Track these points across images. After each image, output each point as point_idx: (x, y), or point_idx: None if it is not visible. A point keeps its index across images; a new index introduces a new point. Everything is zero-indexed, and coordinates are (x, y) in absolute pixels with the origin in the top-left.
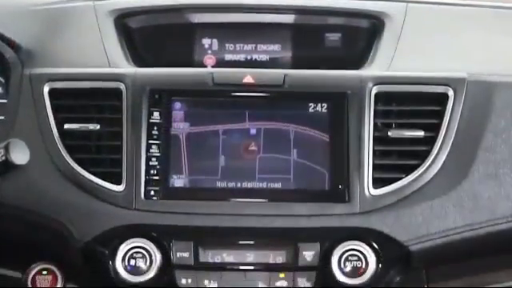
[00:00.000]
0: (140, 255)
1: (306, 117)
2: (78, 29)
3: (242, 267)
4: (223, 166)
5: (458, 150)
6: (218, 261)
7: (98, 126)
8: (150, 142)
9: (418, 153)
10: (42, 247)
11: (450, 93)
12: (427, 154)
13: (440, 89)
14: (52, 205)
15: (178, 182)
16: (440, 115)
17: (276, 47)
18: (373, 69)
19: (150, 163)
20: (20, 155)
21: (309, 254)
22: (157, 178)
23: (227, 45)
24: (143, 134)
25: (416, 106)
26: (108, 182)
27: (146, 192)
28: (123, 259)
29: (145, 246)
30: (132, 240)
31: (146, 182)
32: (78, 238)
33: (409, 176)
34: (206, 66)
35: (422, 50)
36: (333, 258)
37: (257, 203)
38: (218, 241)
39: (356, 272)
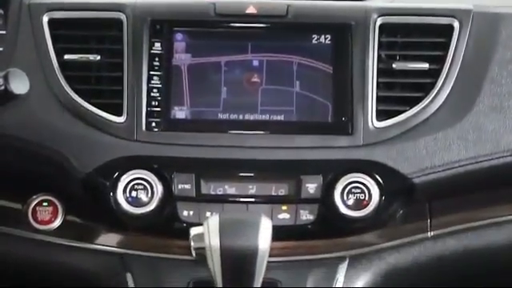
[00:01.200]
0: (141, 187)
1: (309, 48)
2: None
3: (243, 199)
4: (225, 98)
5: (462, 83)
6: (220, 193)
7: (99, 57)
8: (152, 73)
9: (423, 85)
10: (43, 178)
11: (456, 24)
12: (432, 86)
13: (445, 20)
14: (52, 136)
15: (180, 113)
16: (445, 47)
17: None
18: (377, 0)
19: (152, 94)
20: (19, 85)
21: (311, 187)
22: (158, 109)
23: None
24: (144, 65)
25: (421, 38)
26: (109, 113)
27: (148, 123)
28: (124, 191)
29: (146, 177)
30: (133, 171)
31: (148, 114)
32: (79, 169)
33: (413, 108)
34: None
35: None
36: (335, 191)
37: (259, 135)
38: (219, 173)
39: (359, 204)
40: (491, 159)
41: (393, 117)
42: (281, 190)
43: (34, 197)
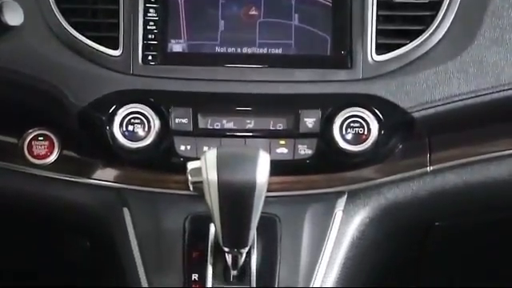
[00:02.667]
0: (138, 121)
1: None
2: None
3: (241, 134)
4: (222, 31)
5: (463, 15)
6: (218, 127)
7: None
8: (148, 5)
9: (423, 18)
10: (39, 113)
11: None
12: (432, 19)
13: None
14: (48, 69)
15: (177, 46)
16: None
17: None
18: None
19: (148, 27)
20: (14, 16)
21: (310, 121)
22: (155, 42)
23: None
24: None
25: None
26: (105, 46)
27: (144, 57)
28: (121, 125)
29: (143, 111)
30: (130, 105)
31: (144, 47)
32: (75, 103)
33: (413, 42)
34: None
35: None
36: (334, 125)
37: (257, 69)
38: (217, 107)
39: (358, 139)
40: (492, 93)
41: (392, 50)
42: (279, 124)
43: (30, 131)
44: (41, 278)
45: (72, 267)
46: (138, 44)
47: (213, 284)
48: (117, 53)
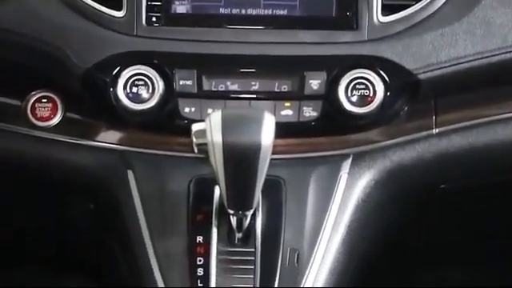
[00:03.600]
0: (142, 82)
1: None
2: None
3: (246, 96)
4: None
5: None
6: (222, 89)
7: None
8: None
9: None
10: (42, 75)
11: None
12: None
13: None
14: (51, 30)
15: (181, 8)
16: None
17: None
18: None
19: None
20: None
21: (315, 83)
22: (158, 3)
23: None
24: None
25: None
26: (108, 7)
27: (148, 18)
28: (125, 86)
29: (147, 73)
30: (134, 67)
31: (148, 8)
32: (78, 64)
33: (419, 3)
34: None
35: None
36: (340, 87)
37: (261, 30)
38: (221, 69)
39: (363, 101)
40: (498, 54)
41: (398, 11)
42: (284, 86)
43: (33, 93)
44: (43, 240)
45: (75, 229)
46: (141, 5)
47: (217, 246)
48: (120, 14)
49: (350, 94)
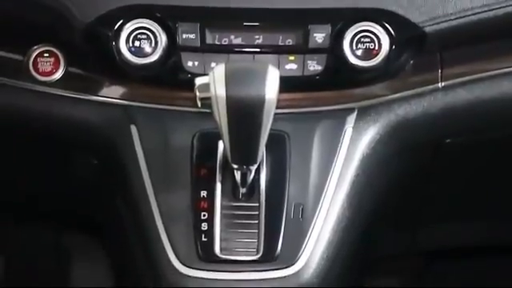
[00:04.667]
0: (145, 36)
1: None
2: None
3: (250, 49)
4: None
5: None
6: (226, 43)
7: None
8: None
9: None
10: (44, 29)
11: None
12: None
13: None
14: None
15: None
16: None
17: None
18: None
19: None
20: None
21: (319, 36)
22: None
23: None
24: None
25: None
26: None
27: None
28: (127, 40)
29: (149, 26)
30: (136, 21)
31: None
32: (80, 18)
33: None
34: None
35: None
36: (344, 40)
37: None
38: (225, 22)
39: (368, 54)
40: (506, 6)
41: None
42: (288, 39)
43: (35, 48)
44: (46, 198)
45: (79, 185)
46: None
47: (221, 201)
48: None
49: (354, 48)
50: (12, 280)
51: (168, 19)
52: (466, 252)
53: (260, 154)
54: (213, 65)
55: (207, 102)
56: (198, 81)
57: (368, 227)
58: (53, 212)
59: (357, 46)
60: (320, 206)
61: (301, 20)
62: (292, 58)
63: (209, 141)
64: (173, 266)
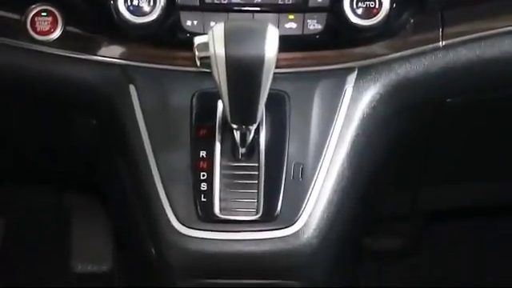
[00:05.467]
0: None
1: None
2: None
3: (249, 8)
4: None
5: None
6: (225, 2)
7: None
8: None
9: None
10: None
11: None
12: None
13: None
14: None
15: None
16: None
17: None
18: None
19: None
20: None
21: None
22: None
23: None
24: None
25: None
26: None
27: None
28: None
29: None
30: None
31: None
32: None
33: None
34: None
35: None
36: None
37: None
38: None
39: (369, 13)
40: None
41: None
42: None
43: (33, 6)
44: (46, 159)
45: (78, 146)
46: None
47: (221, 161)
48: None
49: (355, 6)
50: (12, 241)
51: None
52: (466, 213)
53: (259, 113)
54: (212, 24)
55: (206, 61)
56: (197, 40)
57: (368, 188)
58: (53, 173)
59: (357, 4)
60: (320, 165)
61: None
62: (292, 16)
63: (208, 101)
64: (172, 226)
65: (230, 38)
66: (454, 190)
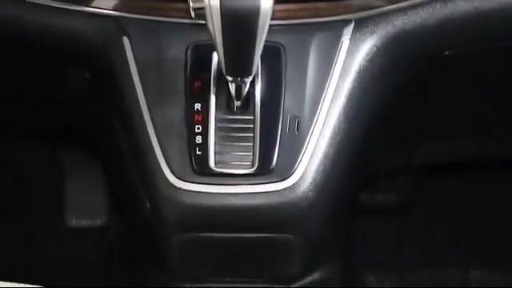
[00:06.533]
0: None
1: None
2: None
3: None
4: None
5: None
6: None
7: None
8: None
9: None
10: None
11: None
12: None
13: None
14: None
15: None
16: None
17: None
18: None
19: None
20: None
21: None
22: None
23: None
24: None
25: None
26: None
27: None
28: None
29: None
30: None
31: None
32: None
33: None
34: None
35: None
36: None
37: None
38: None
39: None
40: None
41: None
42: None
43: None
44: (40, 114)
45: (73, 101)
46: None
47: (216, 114)
48: None
49: None
50: (6, 196)
51: None
52: (464, 168)
53: (255, 65)
54: None
55: (201, 12)
56: None
57: (364, 141)
58: (47, 128)
59: None
60: (316, 118)
61: None
62: None
63: (203, 53)
64: (167, 179)
65: None
66: (451, 145)
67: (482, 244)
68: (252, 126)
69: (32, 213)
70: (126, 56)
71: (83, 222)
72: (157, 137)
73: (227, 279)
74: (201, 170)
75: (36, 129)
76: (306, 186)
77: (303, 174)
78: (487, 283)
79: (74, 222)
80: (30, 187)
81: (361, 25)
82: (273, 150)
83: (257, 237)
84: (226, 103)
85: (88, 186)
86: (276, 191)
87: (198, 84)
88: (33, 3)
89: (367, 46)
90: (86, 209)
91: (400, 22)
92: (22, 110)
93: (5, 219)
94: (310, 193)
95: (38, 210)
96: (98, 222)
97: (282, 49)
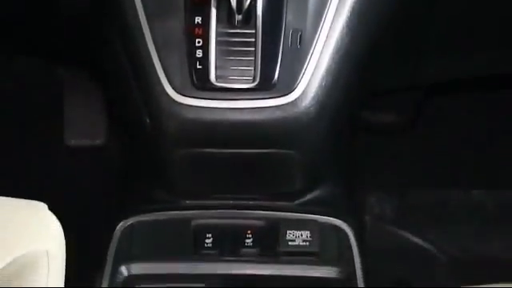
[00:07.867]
0: None
1: None
2: None
3: None
4: None
5: None
6: None
7: None
8: None
9: None
10: None
11: None
12: None
13: None
14: None
15: None
16: None
17: None
18: None
19: None
20: None
21: None
22: None
23: None
24: None
25: None
26: None
27: None
28: None
29: None
30: None
31: None
32: None
33: None
34: None
35: None
36: None
37: None
38: None
39: None
40: None
41: None
42: None
43: None
44: (41, 31)
45: (73, 17)
46: None
47: (216, 28)
48: None
49: None
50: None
51: None
52: (466, 86)
53: None
54: None
55: None
56: None
57: (367, 57)
58: (46, 45)
59: None
60: (319, 32)
61: None
62: None
63: None
64: (167, 94)
65: None
66: (454, 60)
67: (483, 163)
68: (253, 40)
69: (31, 130)
70: None
71: (82, 142)
72: (156, 51)
73: (228, 195)
74: (201, 84)
75: (36, 46)
76: (307, 101)
77: (305, 89)
78: (488, 202)
79: (72, 142)
80: (30, 106)
81: None
82: (274, 64)
83: (258, 152)
84: (227, 17)
85: (86, 105)
86: (277, 106)
87: None
88: None
89: None
90: (84, 128)
91: None
92: (21, 26)
93: (3, 133)
94: (311, 108)
95: (36, 129)
96: (97, 141)
97: None
